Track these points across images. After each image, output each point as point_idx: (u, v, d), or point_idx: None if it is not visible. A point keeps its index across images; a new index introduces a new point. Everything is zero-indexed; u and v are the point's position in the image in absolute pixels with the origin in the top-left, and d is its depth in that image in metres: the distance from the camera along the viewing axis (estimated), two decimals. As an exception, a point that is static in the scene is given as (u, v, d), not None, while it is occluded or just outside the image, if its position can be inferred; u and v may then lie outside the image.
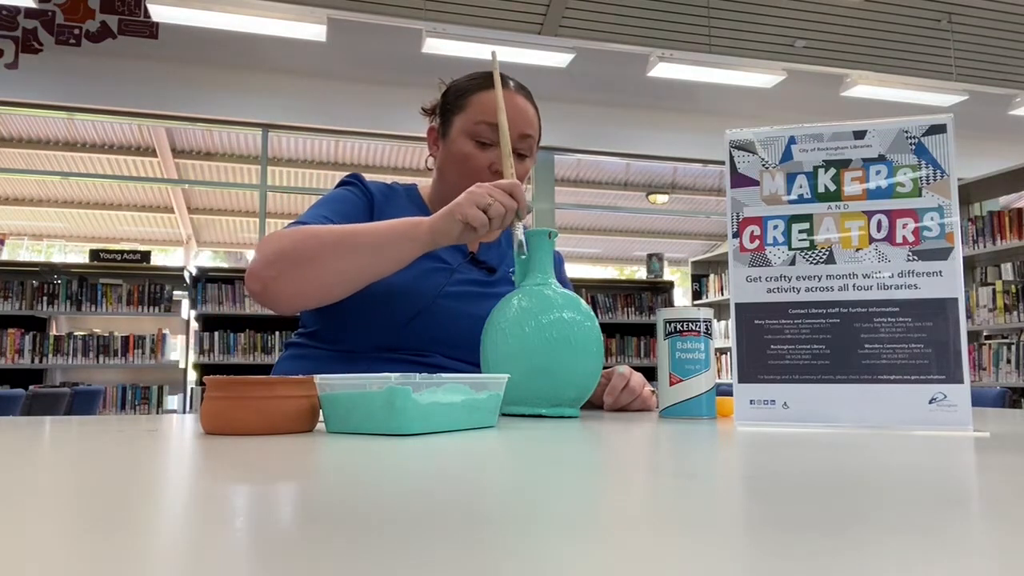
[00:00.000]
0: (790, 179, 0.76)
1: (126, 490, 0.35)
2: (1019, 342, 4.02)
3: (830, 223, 0.75)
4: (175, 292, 5.29)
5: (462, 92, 1.18)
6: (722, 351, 5.44)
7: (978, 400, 2.66)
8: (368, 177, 1.20)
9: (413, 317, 1.07)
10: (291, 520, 0.29)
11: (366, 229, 0.98)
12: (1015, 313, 3.95)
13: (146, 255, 5.30)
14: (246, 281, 1.01)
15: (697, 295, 6.21)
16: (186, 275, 5.34)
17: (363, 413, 0.62)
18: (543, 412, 0.87)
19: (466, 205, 0.91)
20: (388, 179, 1.27)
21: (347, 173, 1.22)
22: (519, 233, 0.95)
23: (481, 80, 1.17)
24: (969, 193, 4.54)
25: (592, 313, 0.92)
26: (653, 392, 1.05)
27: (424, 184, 1.27)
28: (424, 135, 1.26)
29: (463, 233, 0.92)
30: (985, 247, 4.12)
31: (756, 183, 0.77)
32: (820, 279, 0.74)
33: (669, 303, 6.07)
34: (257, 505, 0.32)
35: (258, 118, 5.75)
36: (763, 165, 0.77)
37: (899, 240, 0.72)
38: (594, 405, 1.17)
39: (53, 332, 5.11)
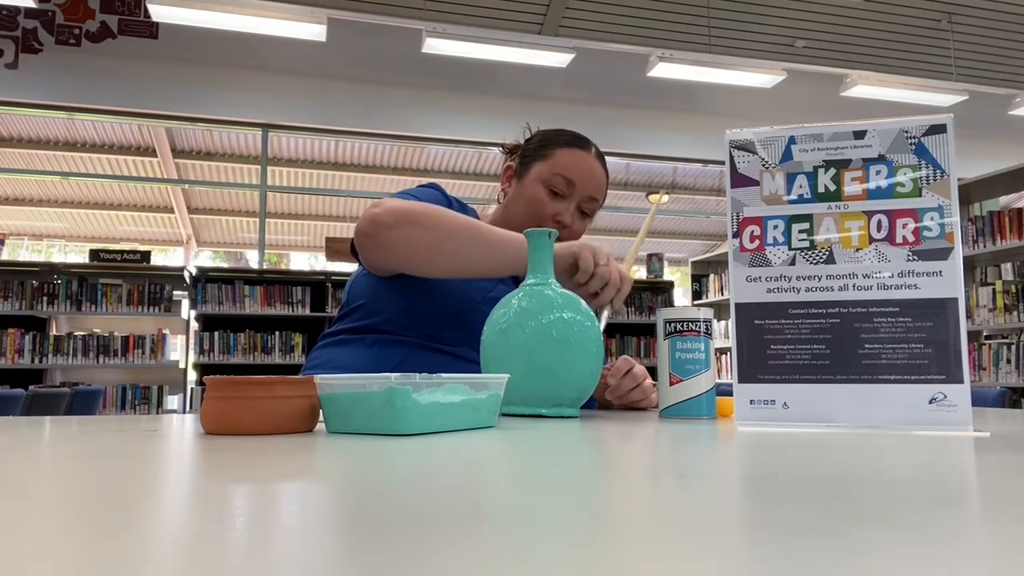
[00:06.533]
0: (790, 179, 0.76)
1: (126, 490, 0.35)
2: (1019, 342, 4.02)
3: (830, 223, 0.75)
4: (175, 292, 5.29)
5: (549, 143, 1.25)
6: (722, 351, 5.44)
7: (978, 400, 2.66)
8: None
9: (457, 314, 1.14)
10: (291, 520, 0.29)
11: (487, 227, 1.03)
12: (1015, 313, 3.95)
13: (146, 255, 5.30)
14: (360, 221, 1.07)
15: (697, 295, 6.21)
16: (186, 275, 5.34)
17: (363, 413, 0.62)
18: (543, 412, 0.87)
19: (586, 248, 0.97)
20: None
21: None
22: (604, 316, 1.00)
23: (570, 137, 1.25)
24: (969, 193, 4.54)
25: (592, 313, 0.92)
26: (654, 385, 1.06)
27: (484, 213, 1.34)
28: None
29: (568, 269, 0.97)
30: (985, 247, 4.12)
31: (756, 183, 0.77)
32: (820, 279, 0.74)
33: (669, 303, 6.07)
34: (257, 505, 0.32)
35: (258, 118, 5.76)
36: (763, 165, 0.77)
37: (899, 240, 0.72)
38: (599, 404, 1.17)
39: (53, 332, 5.12)
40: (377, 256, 1.10)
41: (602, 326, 0.98)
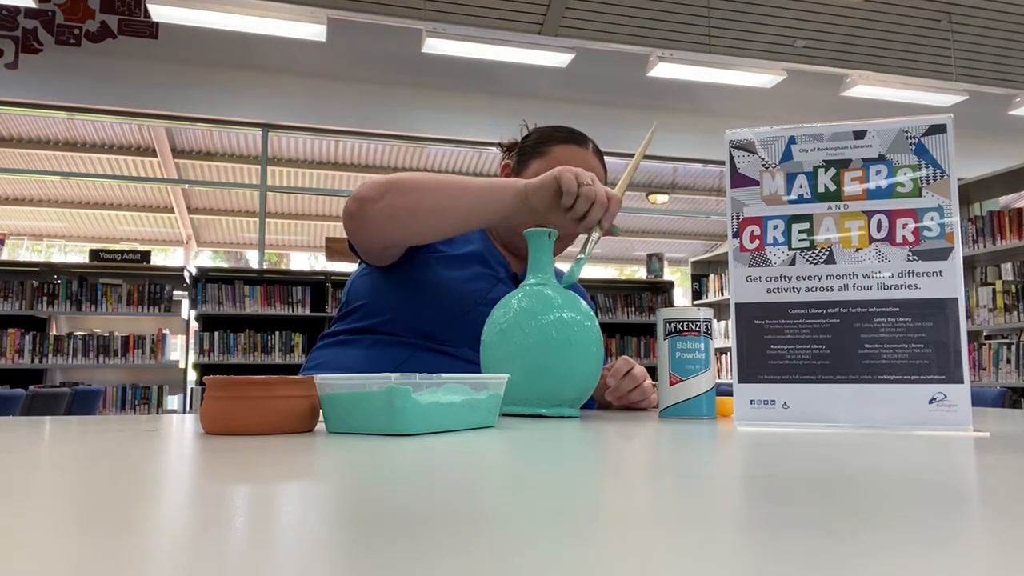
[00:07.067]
0: (790, 179, 0.76)
1: (126, 490, 0.35)
2: (1019, 342, 4.02)
3: (830, 223, 0.75)
4: (175, 292, 5.29)
5: (545, 140, 1.25)
6: (722, 351, 5.44)
7: (978, 400, 2.66)
8: None
9: (456, 315, 1.13)
10: (290, 520, 0.29)
11: (469, 178, 1.03)
12: (1015, 313, 3.95)
13: (146, 255, 5.30)
14: (346, 204, 1.07)
15: (697, 295, 6.21)
16: (186, 275, 5.34)
17: (363, 413, 0.62)
18: (543, 412, 0.87)
19: (566, 171, 0.94)
20: None
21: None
22: (593, 237, 0.97)
23: (567, 134, 1.26)
24: (969, 193, 4.53)
25: (592, 313, 0.92)
26: (654, 386, 1.05)
27: None
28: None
29: (553, 196, 0.94)
30: (985, 247, 4.12)
31: (756, 183, 0.77)
32: (820, 279, 0.74)
33: (669, 303, 6.07)
34: (257, 505, 0.32)
35: (258, 118, 5.76)
36: (763, 165, 0.77)
37: (899, 240, 0.72)
38: (598, 404, 1.17)
39: (53, 332, 5.11)
40: (367, 233, 1.08)
41: (590, 249, 0.97)
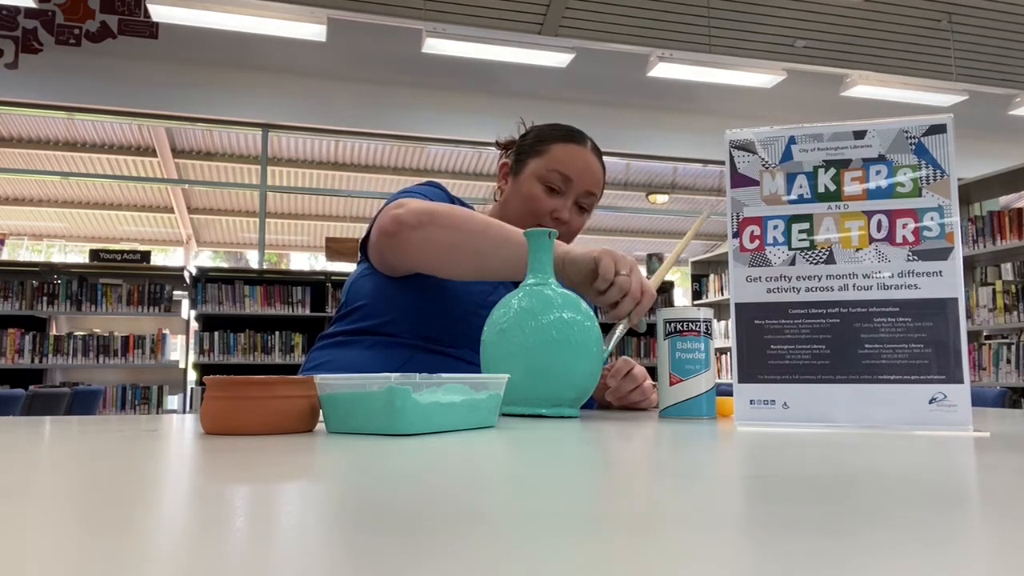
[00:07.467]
0: (790, 179, 0.76)
1: (126, 490, 0.35)
2: (1019, 342, 4.02)
3: (830, 223, 0.75)
4: (175, 292, 5.29)
5: (543, 138, 1.24)
6: (722, 351, 5.44)
7: (978, 400, 2.66)
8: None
9: (458, 316, 1.13)
10: (290, 521, 0.29)
11: (510, 228, 1.01)
12: (1015, 313, 3.95)
13: (146, 255, 5.31)
14: (382, 221, 1.06)
15: (697, 295, 6.21)
16: (186, 275, 5.34)
17: (363, 413, 0.62)
18: (543, 412, 0.87)
19: (608, 255, 0.93)
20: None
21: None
22: (619, 329, 0.94)
23: (564, 132, 1.24)
24: (969, 193, 4.54)
25: (592, 313, 0.92)
26: (654, 386, 1.05)
27: (482, 211, 1.31)
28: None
29: (588, 275, 0.93)
30: (985, 247, 4.12)
31: (756, 183, 0.77)
32: (820, 279, 0.74)
33: (669, 303, 6.07)
34: (257, 506, 0.32)
35: (258, 118, 5.76)
36: (763, 165, 0.77)
37: (899, 240, 0.72)
38: (598, 404, 1.17)
39: (53, 332, 5.12)
40: (398, 256, 1.08)
41: (615, 340, 0.94)
